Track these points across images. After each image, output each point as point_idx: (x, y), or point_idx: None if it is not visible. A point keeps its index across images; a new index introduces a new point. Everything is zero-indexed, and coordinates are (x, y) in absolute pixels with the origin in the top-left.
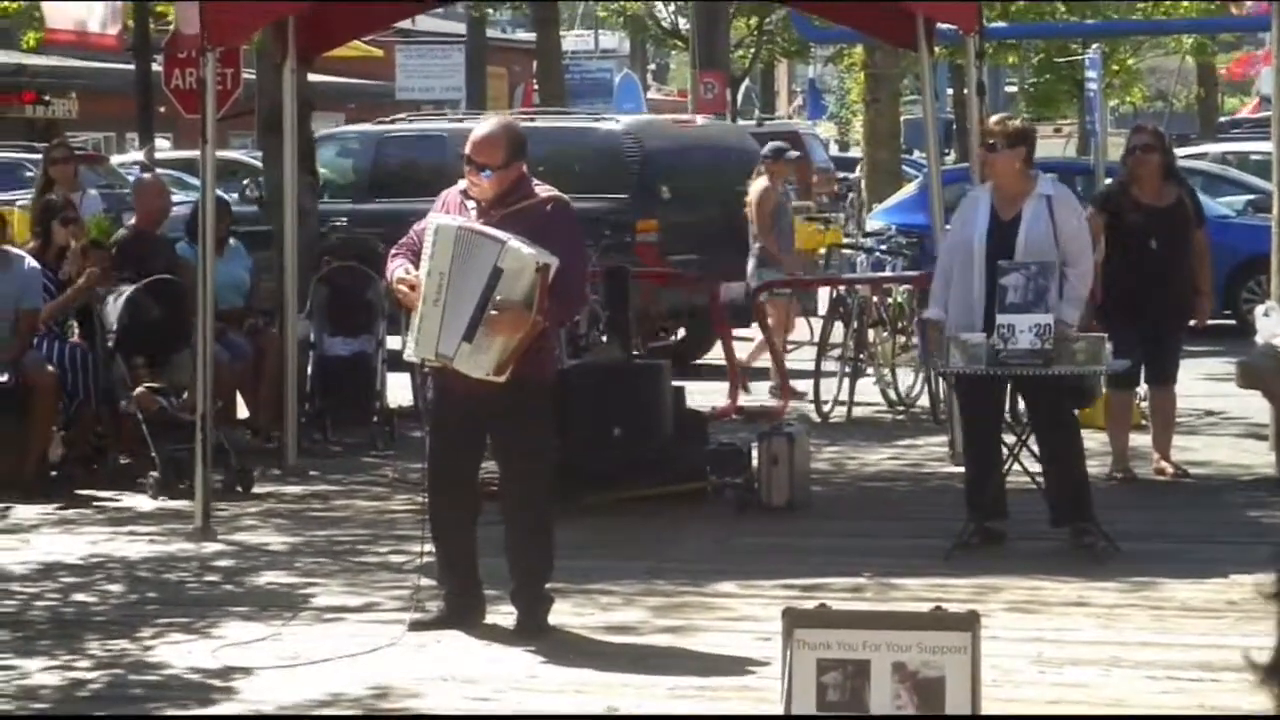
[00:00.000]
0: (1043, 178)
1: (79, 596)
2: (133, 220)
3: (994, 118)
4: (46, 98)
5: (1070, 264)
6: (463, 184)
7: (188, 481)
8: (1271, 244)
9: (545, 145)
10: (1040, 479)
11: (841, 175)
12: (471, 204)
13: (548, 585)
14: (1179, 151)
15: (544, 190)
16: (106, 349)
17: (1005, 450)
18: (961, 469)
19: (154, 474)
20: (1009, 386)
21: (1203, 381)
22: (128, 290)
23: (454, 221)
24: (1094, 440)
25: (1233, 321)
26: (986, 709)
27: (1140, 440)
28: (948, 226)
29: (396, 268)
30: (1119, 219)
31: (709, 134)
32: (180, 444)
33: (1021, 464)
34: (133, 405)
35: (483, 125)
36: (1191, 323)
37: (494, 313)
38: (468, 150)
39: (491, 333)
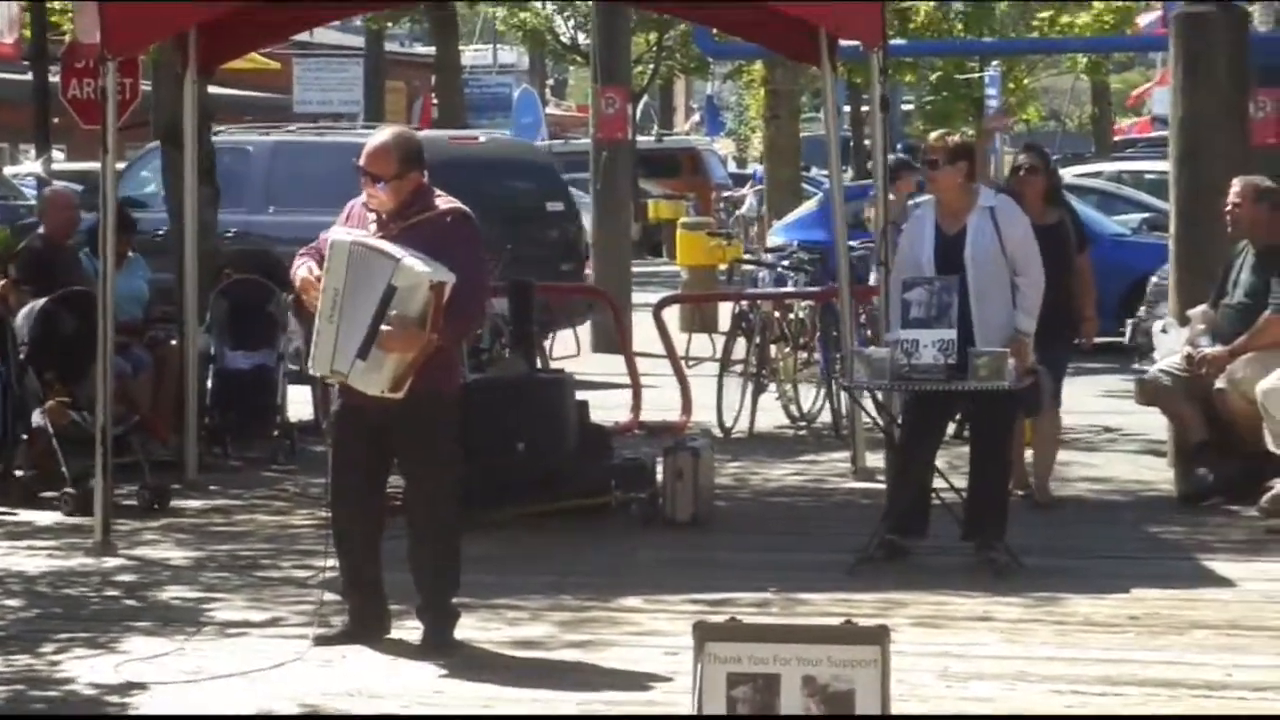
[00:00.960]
0: (984, 190)
1: None
2: (40, 230)
3: (934, 134)
4: None
5: (1020, 273)
6: (364, 196)
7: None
8: (1169, 262)
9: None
10: (949, 493)
11: (727, 193)
12: (372, 216)
13: (454, 600)
14: (1074, 170)
15: (445, 202)
16: (18, 363)
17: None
18: (864, 484)
19: (68, 490)
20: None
21: (1102, 398)
22: (40, 302)
23: (347, 237)
24: None
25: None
26: None
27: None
28: (855, 242)
29: (300, 267)
30: None
31: (489, 151)
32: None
33: (945, 477)
34: (44, 420)
35: (376, 135)
36: (1078, 342)
37: (387, 328)
38: (362, 162)
39: (385, 351)
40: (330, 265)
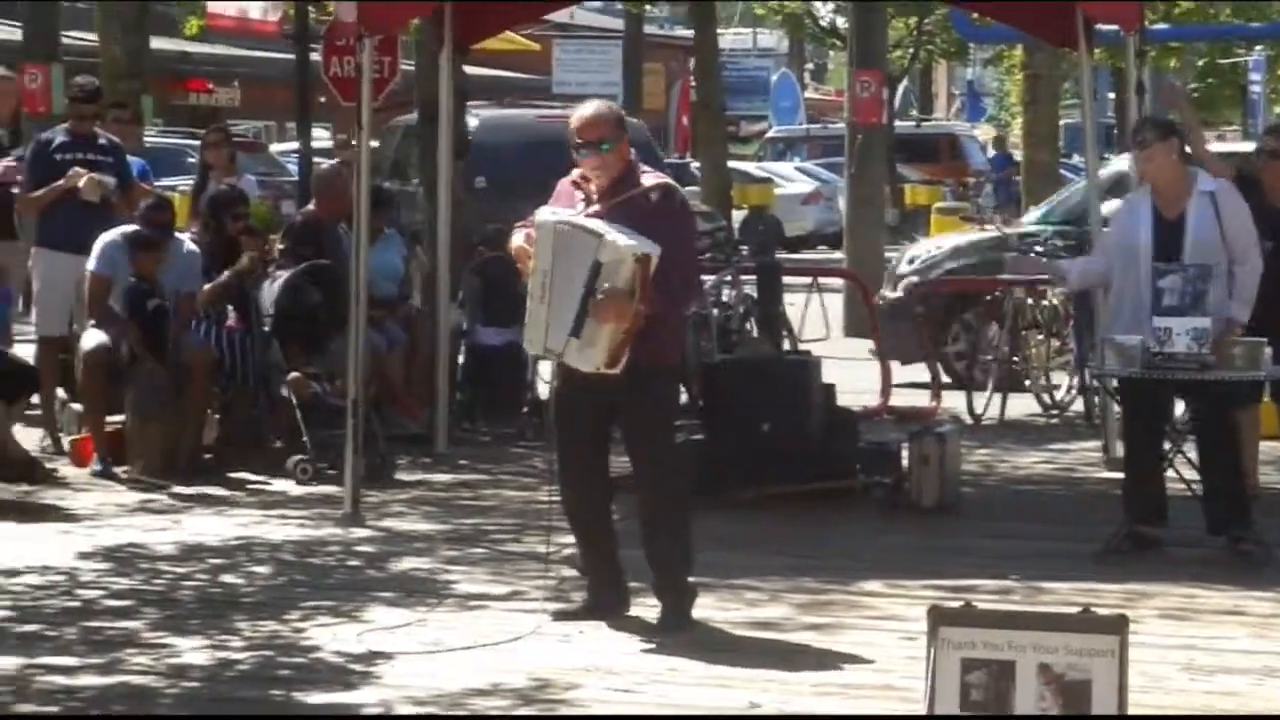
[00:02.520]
0: (1201, 174)
1: (227, 578)
2: (310, 207)
3: (1141, 120)
4: (210, 86)
5: (1239, 261)
6: (575, 174)
7: (333, 466)
8: None
9: None
10: (1196, 485)
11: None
12: (580, 195)
13: (692, 579)
14: None
15: (651, 178)
16: (263, 333)
17: (1165, 455)
18: (1116, 474)
19: (301, 457)
20: (1172, 391)
21: None
22: (285, 274)
23: (552, 218)
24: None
25: None
26: (1134, 715)
27: None
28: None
29: (516, 235)
30: None
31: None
32: (335, 429)
33: (1177, 470)
34: (288, 390)
35: (583, 107)
36: None
37: (599, 297)
38: (576, 136)
39: (597, 323)
40: (538, 247)
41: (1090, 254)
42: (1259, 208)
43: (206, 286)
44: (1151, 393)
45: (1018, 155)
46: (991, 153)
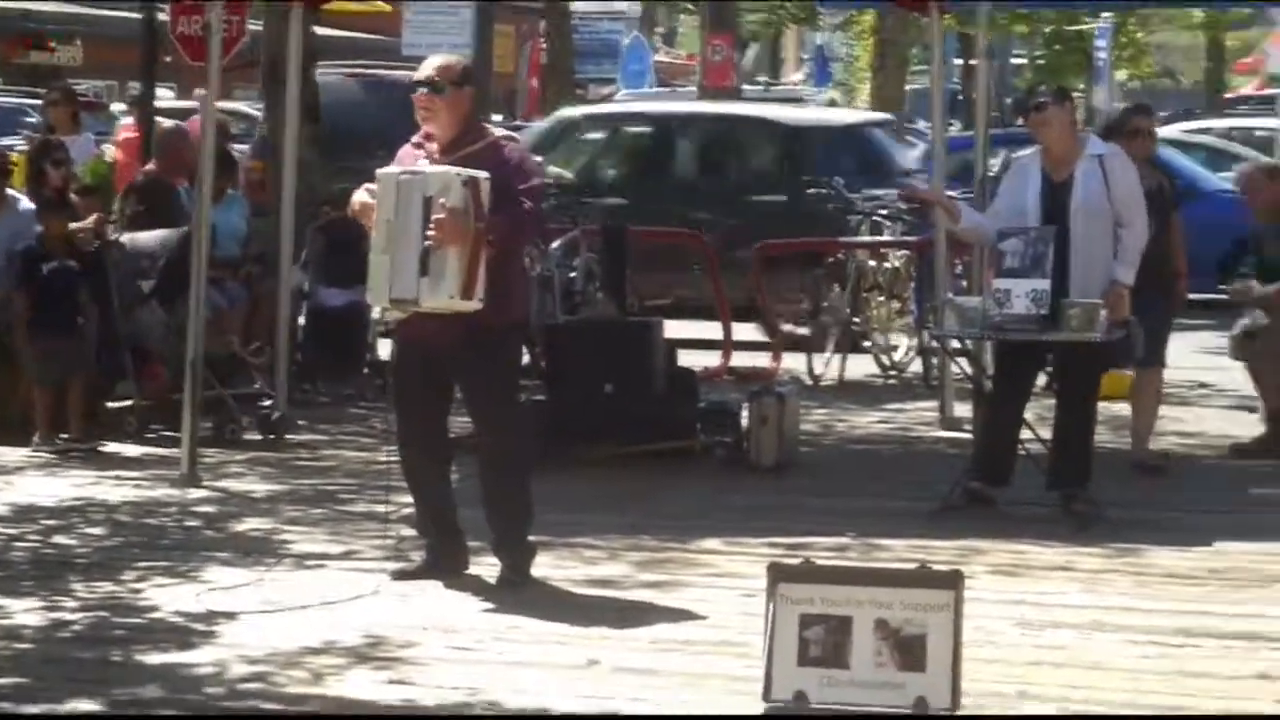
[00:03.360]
0: (1093, 138)
1: (61, 539)
2: (150, 166)
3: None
4: (52, 45)
5: (1124, 224)
6: (415, 137)
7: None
8: None
9: None
10: (1034, 444)
11: None
12: (422, 153)
13: (531, 538)
14: (1184, 125)
15: (494, 132)
16: (139, 293)
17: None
18: (950, 433)
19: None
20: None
21: (1198, 354)
22: (160, 234)
23: (394, 170)
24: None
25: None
26: (967, 669)
27: None
28: (955, 193)
29: (358, 193)
30: None
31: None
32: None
33: (1031, 428)
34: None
35: (433, 56)
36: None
37: (437, 219)
38: (419, 75)
39: (440, 248)
40: (380, 199)
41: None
42: None
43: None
44: (1015, 354)
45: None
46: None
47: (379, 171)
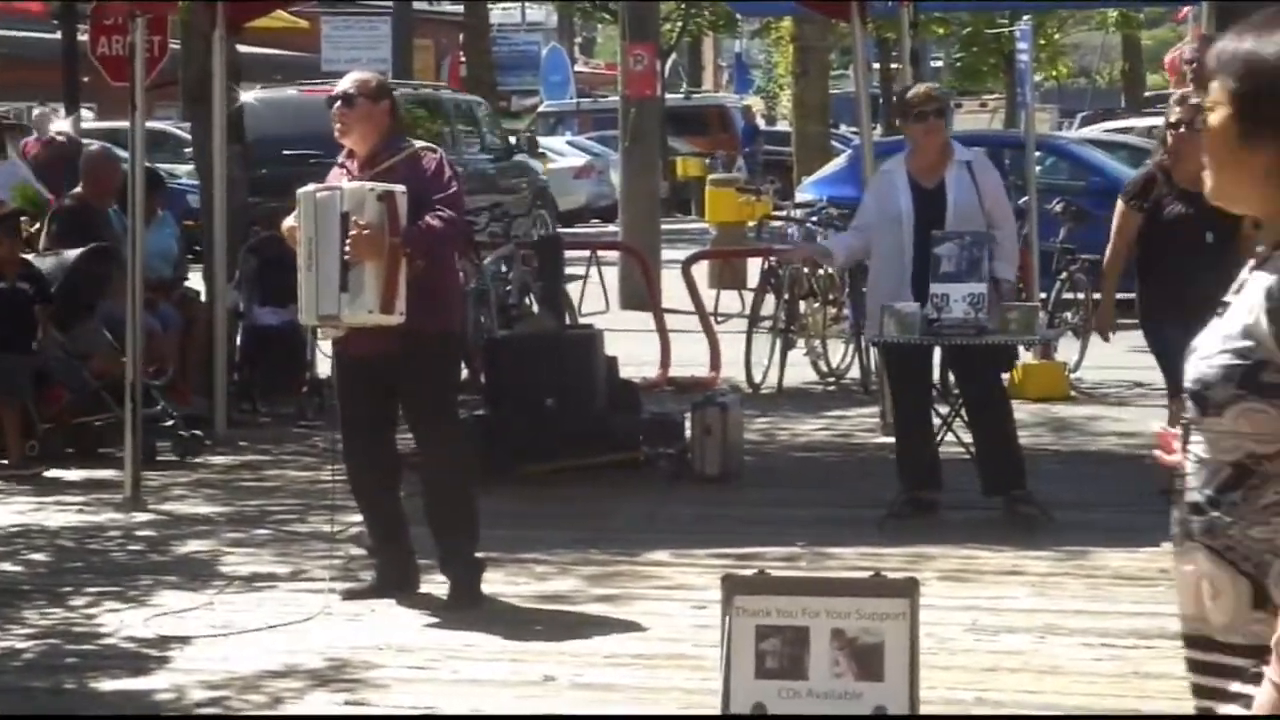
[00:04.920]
0: (956, 145)
1: (5, 566)
2: (77, 190)
3: (919, 87)
4: None
5: (997, 225)
6: (340, 155)
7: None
8: None
9: None
10: (972, 449)
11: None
12: (344, 172)
13: (479, 554)
14: (1104, 125)
15: (414, 145)
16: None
17: (937, 420)
18: (891, 439)
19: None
20: (937, 357)
21: (1130, 354)
22: (71, 254)
23: (312, 188)
24: (1023, 411)
25: None
26: (923, 676)
27: (1073, 411)
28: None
29: (289, 219)
30: (1158, 211)
31: None
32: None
33: (955, 434)
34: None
35: (351, 72)
36: None
37: (352, 234)
38: (335, 91)
39: (357, 263)
40: (301, 218)
41: (847, 230)
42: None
43: None
44: (919, 358)
45: (764, 126)
46: (761, 124)
47: (299, 190)
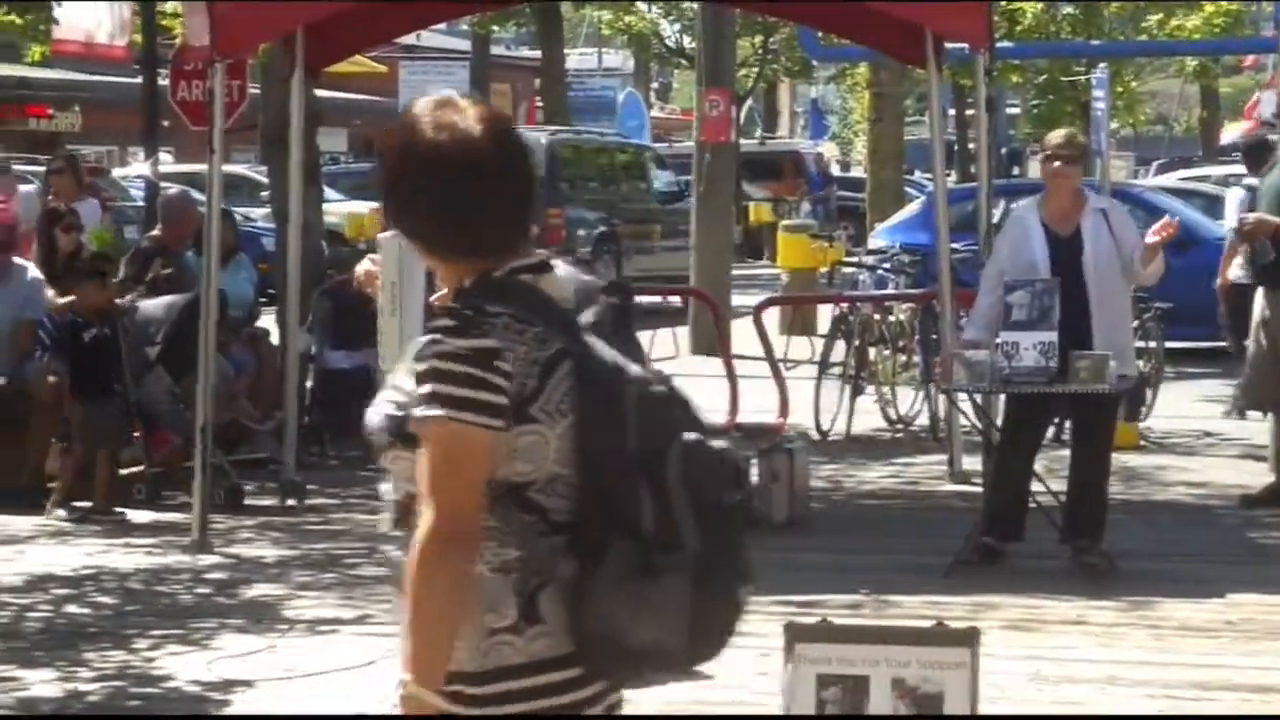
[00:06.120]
0: (1091, 192)
1: (73, 608)
2: (155, 232)
3: (1059, 133)
4: (50, 111)
5: (1139, 266)
6: None
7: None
8: None
9: None
10: (1046, 497)
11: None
12: None
13: None
14: (1181, 174)
15: None
16: (146, 360)
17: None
18: (960, 487)
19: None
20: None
21: (1200, 403)
22: (166, 300)
23: (394, 233)
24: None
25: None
26: None
27: (1142, 461)
28: (959, 245)
29: (362, 264)
30: None
31: None
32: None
33: (1043, 481)
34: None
35: None
36: None
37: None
38: None
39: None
40: (384, 262)
41: (979, 298)
42: None
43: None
44: (1024, 407)
45: (838, 171)
46: (836, 170)
47: (379, 236)
